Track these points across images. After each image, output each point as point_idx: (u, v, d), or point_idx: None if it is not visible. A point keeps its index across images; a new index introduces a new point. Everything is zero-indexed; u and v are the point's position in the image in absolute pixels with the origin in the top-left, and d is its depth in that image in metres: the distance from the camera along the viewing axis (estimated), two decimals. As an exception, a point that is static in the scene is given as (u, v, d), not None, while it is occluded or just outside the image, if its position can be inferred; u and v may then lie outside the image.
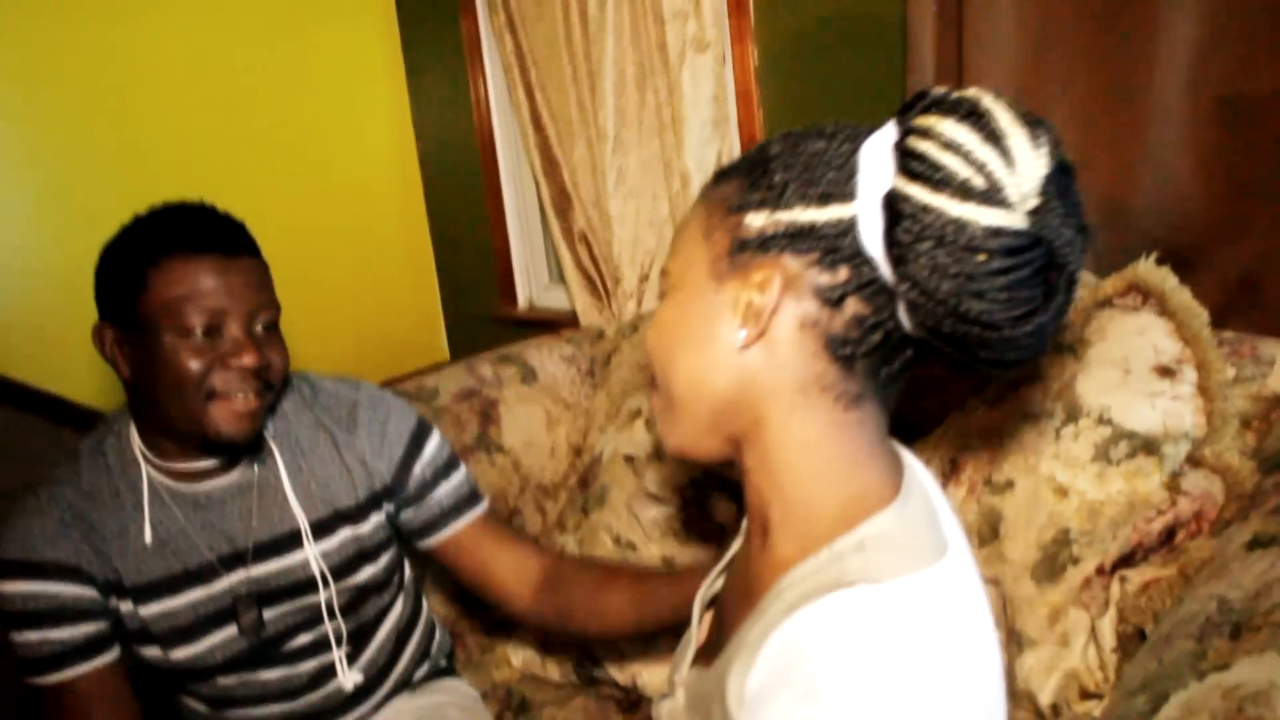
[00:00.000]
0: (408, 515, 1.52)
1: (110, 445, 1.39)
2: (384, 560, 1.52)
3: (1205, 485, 1.35)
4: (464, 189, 2.98)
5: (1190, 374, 1.41)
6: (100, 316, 1.32)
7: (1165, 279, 1.47)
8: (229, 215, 1.34)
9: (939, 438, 1.57)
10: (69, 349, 2.40)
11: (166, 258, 1.25)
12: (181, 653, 1.38)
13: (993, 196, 0.68)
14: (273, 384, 1.33)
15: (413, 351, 3.09)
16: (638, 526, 1.79)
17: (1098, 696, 1.33)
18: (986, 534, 1.44)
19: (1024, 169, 0.68)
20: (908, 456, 0.90)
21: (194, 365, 1.25)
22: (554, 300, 2.92)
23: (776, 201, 0.78)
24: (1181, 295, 1.44)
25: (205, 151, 2.60)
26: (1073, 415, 1.43)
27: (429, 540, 1.54)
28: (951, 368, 0.79)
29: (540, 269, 2.96)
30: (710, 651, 0.96)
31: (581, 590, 1.48)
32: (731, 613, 0.92)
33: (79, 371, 2.42)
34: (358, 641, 1.52)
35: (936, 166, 0.69)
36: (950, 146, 0.69)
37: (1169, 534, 1.33)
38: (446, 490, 1.52)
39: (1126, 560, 1.34)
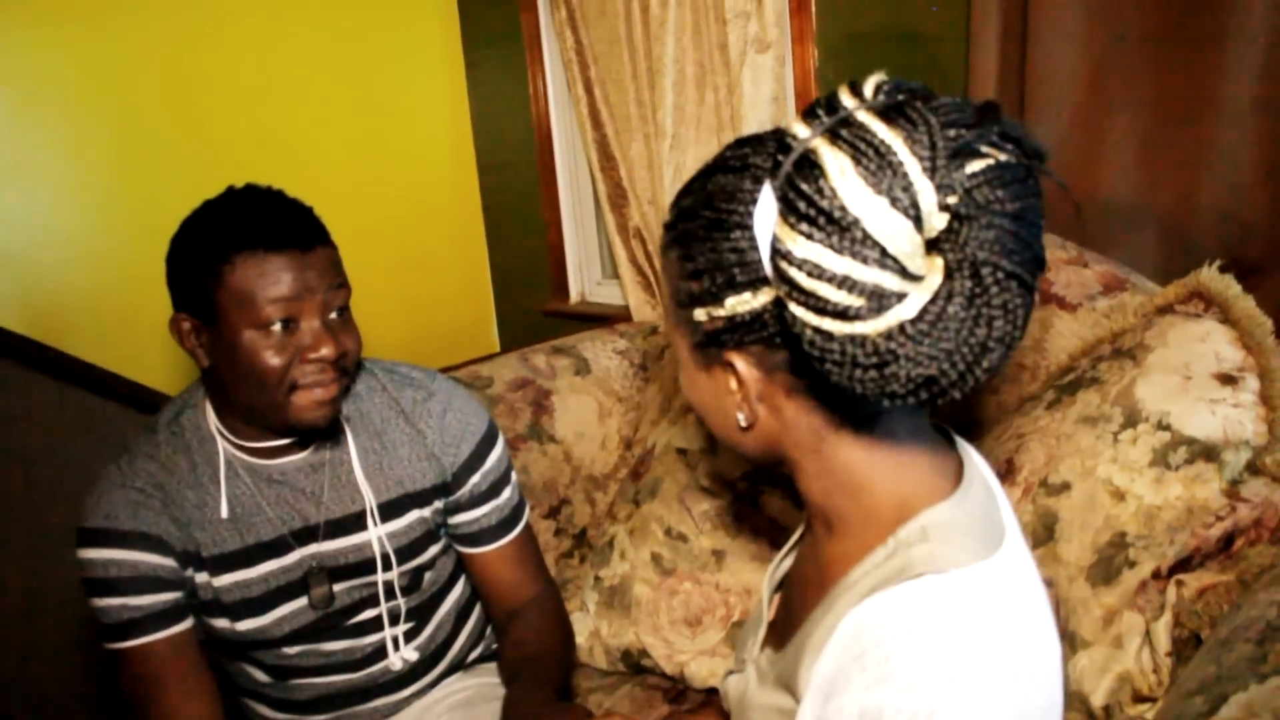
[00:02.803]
0: (452, 520, 1.55)
1: (187, 420, 1.42)
2: (446, 542, 1.55)
3: (1266, 493, 1.35)
4: (520, 183, 3.01)
5: (1252, 382, 1.41)
6: (175, 307, 1.34)
7: (1229, 286, 1.47)
8: (299, 202, 1.36)
9: (995, 439, 1.58)
10: (140, 333, 2.45)
11: (240, 254, 1.26)
12: (250, 623, 1.42)
13: (874, 305, 0.65)
14: (348, 370, 1.36)
15: (464, 343, 3.12)
16: (689, 519, 1.81)
17: (1151, 700, 1.33)
18: (1042, 535, 1.45)
19: (894, 240, 0.64)
20: (966, 448, 0.92)
21: (275, 361, 1.28)
22: (606, 295, 2.94)
23: (709, 297, 0.79)
24: (1245, 303, 1.44)
25: (266, 141, 2.64)
26: (1131, 420, 1.44)
27: (461, 547, 1.58)
28: None
29: (593, 264, 2.99)
30: (779, 633, 0.98)
31: (505, 641, 1.54)
32: (801, 598, 0.95)
33: (150, 356, 2.47)
34: (418, 619, 1.55)
35: (805, 292, 0.66)
36: (811, 269, 0.65)
37: (1228, 540, 1.34)
38: (495, 505, 1.55)
39: (1183, 565, 1.35)
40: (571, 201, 2.96)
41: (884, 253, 0.64)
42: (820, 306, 0.66)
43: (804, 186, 0.65)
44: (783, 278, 0.67)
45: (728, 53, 2.22)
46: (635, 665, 1.81)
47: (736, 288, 0.77)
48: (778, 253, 0.67)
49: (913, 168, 0.64)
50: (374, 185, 2.89)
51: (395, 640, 1.52)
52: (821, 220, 0.65)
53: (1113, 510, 1.41)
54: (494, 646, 1.72)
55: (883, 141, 0.64)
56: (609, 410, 2.22)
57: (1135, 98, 1.70)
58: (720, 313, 0.79)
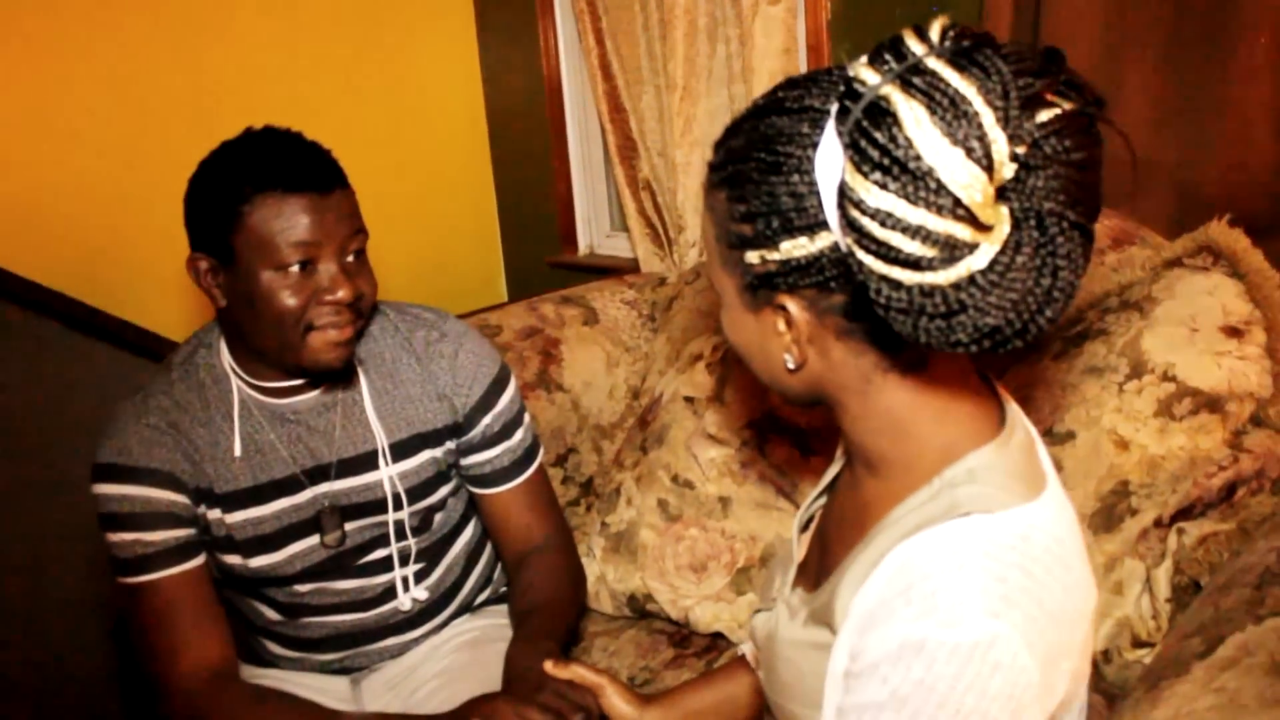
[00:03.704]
0: (464, 461, 1.56)
1: (201, 358, 1.44)
2: (457, 483, 1.57)
3: (1269, 444, 1.37)
4: (529, 134, 3.00)
5: (1259, 335, 1.42)
6: (193, 247, 1.35)
7: (1238, 240, 1.48)
8: (317, 144, 1.36)
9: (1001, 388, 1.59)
10: (151, 280, 2.46)
11: (260, 194, 1.27)
12: (262, 560, 1.44)
13: (946, 255, 0.65)
14: (364, 312, 1.37)
15: (472, 293, 3.13)
16: (695, 466, 1.83)
17: (1150, 645, 1.36)
18: (1045, 484, 1.47)
19: (968, 190, 0.64)
20: (1006, 396, 0.92)
21: (291, 301, 1.29)
22: (614, 248, 2.95)
23: (766, 239, 0.78)
24: (1254, 257, 1.46)
25: (276, 88, 2.64)
26: (1137, 371, 1.45)
27: (474, 489, 1.59)
28: None
29: (602, 216, 2.99)
30: (812, 572, 0.99)
31: (515, 585, 1.57)
32: (838, 537, 0.95)
33: (161, 303, 2.49)
34: (428, 560, 1.57)
35: (877, 242, 0.66)
36: (882, 219, 0.65)
37: (1229, 490, 1.36)
38: (508, 447, 1.56)
39: (1185, 514, 1.37)
40: (581, 153, 2.96)
41: (957, 203, 0.64)
42: (892, 256, 0.66)
43: (877, 135, 0.65)
44: (853, 226, 0.67)
45: (740, 4, 2.21)
46: (641, 610, 1.84)
47: (793, 232, 0.76)
48: (849, 200, 0.67)
49: (987, 118, 0.64)
50: (384, 135, 2.89)
51: (405, 580, 1.54)
52: (896, 170, 0.64)
53: (1116, 459, 1.42)
54: (503, 589, 1.74)
55: (957, 91, 0.64)
56: (617, 360, 2.23)
57: (1150, 53, 1.70)
58: (774, 256, 0.78)
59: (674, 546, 1.80)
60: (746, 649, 1.25)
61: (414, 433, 1.49)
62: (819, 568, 0.98)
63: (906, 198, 0.64)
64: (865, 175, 0.65)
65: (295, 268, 1.28)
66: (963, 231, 0.64)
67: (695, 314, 2.14)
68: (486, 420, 1.53)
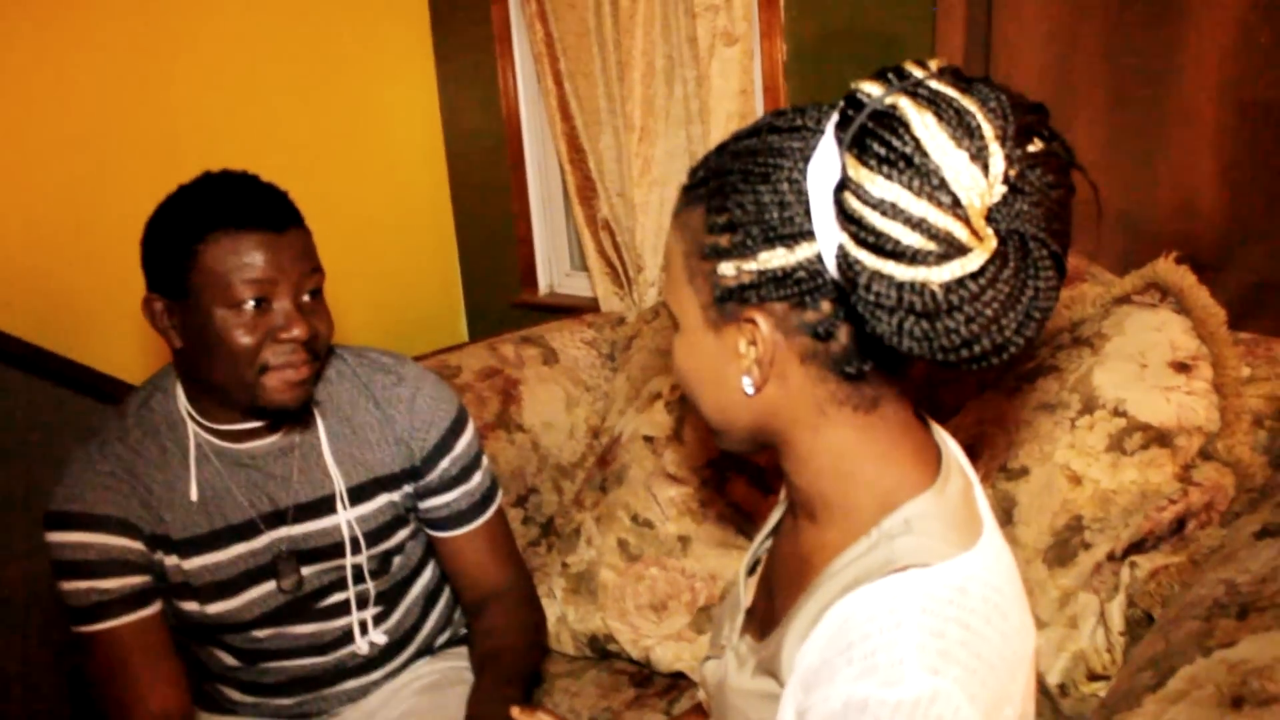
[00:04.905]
0: (422, 504, 1.56)
1: (157, 403, 1.43)
2: (416, 526, 1.57)
3: (1217, 478, 1.39)
4: (489, 175, 3.01)
5: (1206, 370, 1.45)
6: (149, 287, 1.35)
7: (1184, 277, 1.51)
8: (273, 186, 1.37)
9: (955, 425, 1.61)
10: (106, 323, 2.44)
11: (213, 233, 1.27)
12: (219, 606, 1.42)
13: (942, 250, 0.66)
14: (319, 352, 1.37)
15: (432, 333, 3.13)
16: (655, 505, 1.83)
17: (1105, 678, 1.37)
18: (1001, 519, 1.48)
19: (967, 199, 0.66)
20: (942, 436, 0.93)
21: (246, 340, 1.29)
22: (574, 287, 2.95)
23: (744, 249, 0.79)
24: (1200, 294, 1.48)
25: (234, 131, 2.63)
26: (1089, 406, 1.47)
27: (433, 532, 1.59)
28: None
29: (562, 256, 3.00)
30: (759, 620, 0.99)
31: (475, 629, 1.56)
32: (782, 586, 0.96)
33: (117, 347, 2.46)
34: (387, 603, 1.56)
35: (876, 232, 0.67)
36: (883, 208, 0.66)
37: (1180, 523, 1.37)
38: (465, 491, 1.56)
39: (1137, 547, 1.38)
40: (540, 193, 2.97)
41: (957, 203, 0.65)
42: (888, 248, 0.66)
43: (883, 133, 0.67)
44: (851, 219, 0.68)
45: (697, 46, 2.24)
46: (602, 650, 1.83)
47: (773, 241, 0.77)
48: (850, 193, 0.68)
49: (988, 132, 0.66)
50: (343, 175, 2.89)
51: (364, 624, 1.53)
52: (902, 164, 0.66)
53: (1070, 494, 1.44)
54: (462, 631, 1.73)
55: (963, 105, 0.67)
56: (577, 400, 2.24)
57: (1098, 93, 1.74)
58: (751, 266, 0.78)
59: (634, 586, 1.80)
60: (702, 695, 1.25)
61: (371, 476, 1.48)
62: (765, 616, 0.98)
63: (911, 190, 0.66)
64: (871, 168, 0.67)
65: (250, 305, 1.28)
66: (961, 231, 0.66)
67: (654, 353, 2.15)
68: (444, 464, 1.53)
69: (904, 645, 0.74)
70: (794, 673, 0.82)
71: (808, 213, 0.75)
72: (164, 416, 1.42)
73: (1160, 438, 1.42)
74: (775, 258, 0.77)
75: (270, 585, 1.45)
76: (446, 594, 1.70)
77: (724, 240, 0.80)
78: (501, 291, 3.07)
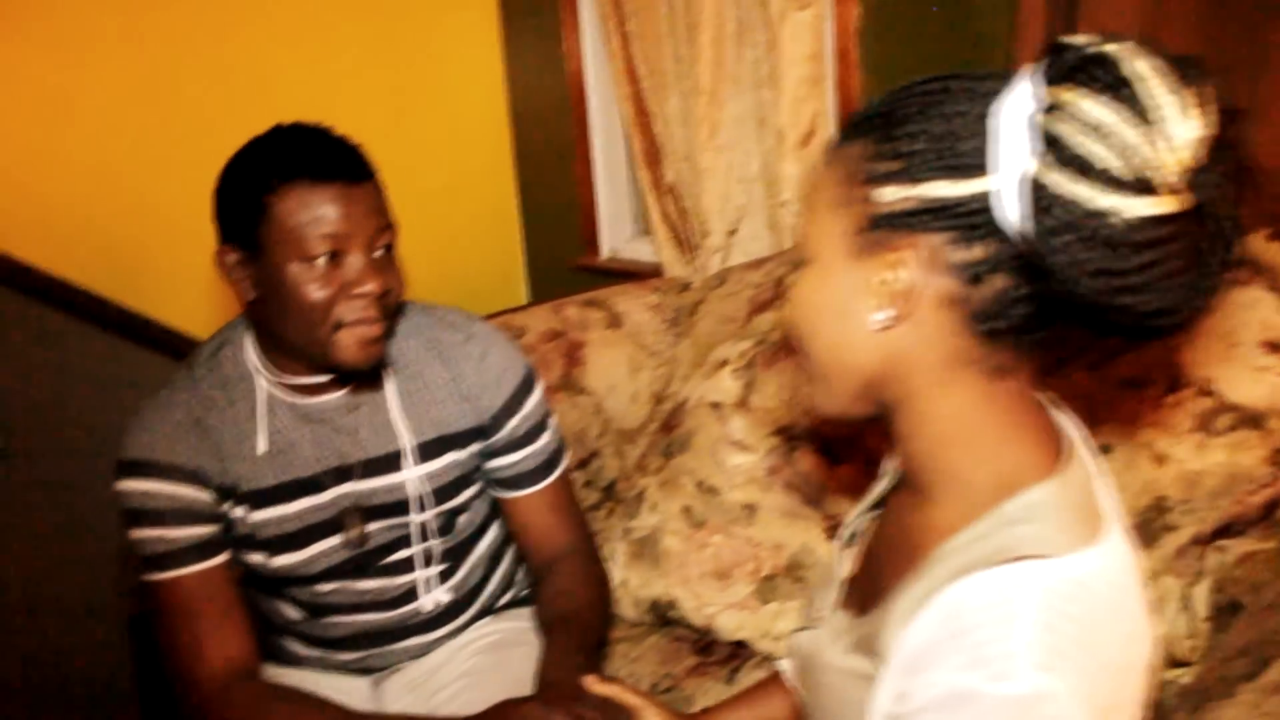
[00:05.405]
0: (489, 464, 1.55)
1: (227, 355, 1.42)
2: (481, 486, 1.56)
3: (1311, 462, 1.35)
4: (553, 137, 2.99)
5: (1300, 350, 1.40)
6: (221, 240, 1.34)
7: (1278, 255, 1.46)
8: (347, 138, 1.36)
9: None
10: (174, 278, 2.45)
11: (288, 184, 1.26)
12: (285, 559, 1.42)
13: (1141, 184, 0.64)
14: (391, 309, 1.35)
15: (492, 295, 3.11)
16: (720, 472, 1.81)
17: (1186, 664, 1.33)
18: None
19: (1176, 144, 0.64)
20: (1066, 422, 0.89)
21: (318, 295, 1.27)
22: (636, 252, 2.93)
23: (910, 175, 0.76)
24: (1295, 271, 1.43)
25: (300, 88, 2.62)
26: (1174, 385, 1.43)
27: (499, 492, 1.58)
28: (1099, 334, 0.77)
29: (624, 221, 2.97)
30: (859, 596, 0.96)
31: (543, 592, 1.53)
32: (888, 563, 0.92)
33: (183, 301, 2.48)
34: (452, 561, 1.56)
35: (1078, 153, 0.65)
36: (1092, 129, 0.65)
37: (1270, 508, 1.33)
38: (533, 450, 1.55)
39: (1224, 531, 1.34)
40: (604, 157, 2.94)
41: (1170, 145, 0.64)
42: (1091, 168, 0.65)
43: (1099, 68, 0.66)
44: (1052, 141, 0.67)
45: (768, 8, 2.19)
46: (663, 617, 1.82)
47: (943, 171, 0.74)
48: (1055, 115, 0.67)
49: (1190, 99, 0.65)
50: (407, 135, 2.88)
51: (428, 581, 1.53)
52: (1125, 90, 0.65)
53: (1153, 474, 1.40)
54: (524, 592, 1.73)
55: (1174, 68, 0.66)
56: (640, 364, 2.22)
57: (1193, 48, 1.68)
58: (915, 192, 0.75)
59: (698, 553, 1.78)
60: (785, 666, 1.23)
61: (439, 434, 1.47)
62: (866, 592, 0.95)
63: (1125, 118, 0.65)
64: (1087, 91, 0.66)
65: (322, 260, 1.27)
66: (1164, 172, 0.65)
67: (720, 319, 2.12)
68: (512, 423, 1.51)
69: (1017, 639, 0.71)
70: (895, 655, 0.80)
71: (986, 148, 0.72)
72: (234, 368, 1.41)
73: (1251, 419, 1.38)
74: (942, 187, 0.74)
75: (335, 540, 1.44)
76: (509, 555, 1.69)
77: (891, 165, 0.77)
78: (562, 254, 3.05)
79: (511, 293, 3.24)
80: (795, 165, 2.25)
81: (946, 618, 0.76)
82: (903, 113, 0.77)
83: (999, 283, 0.75)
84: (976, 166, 0.73)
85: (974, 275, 0.76)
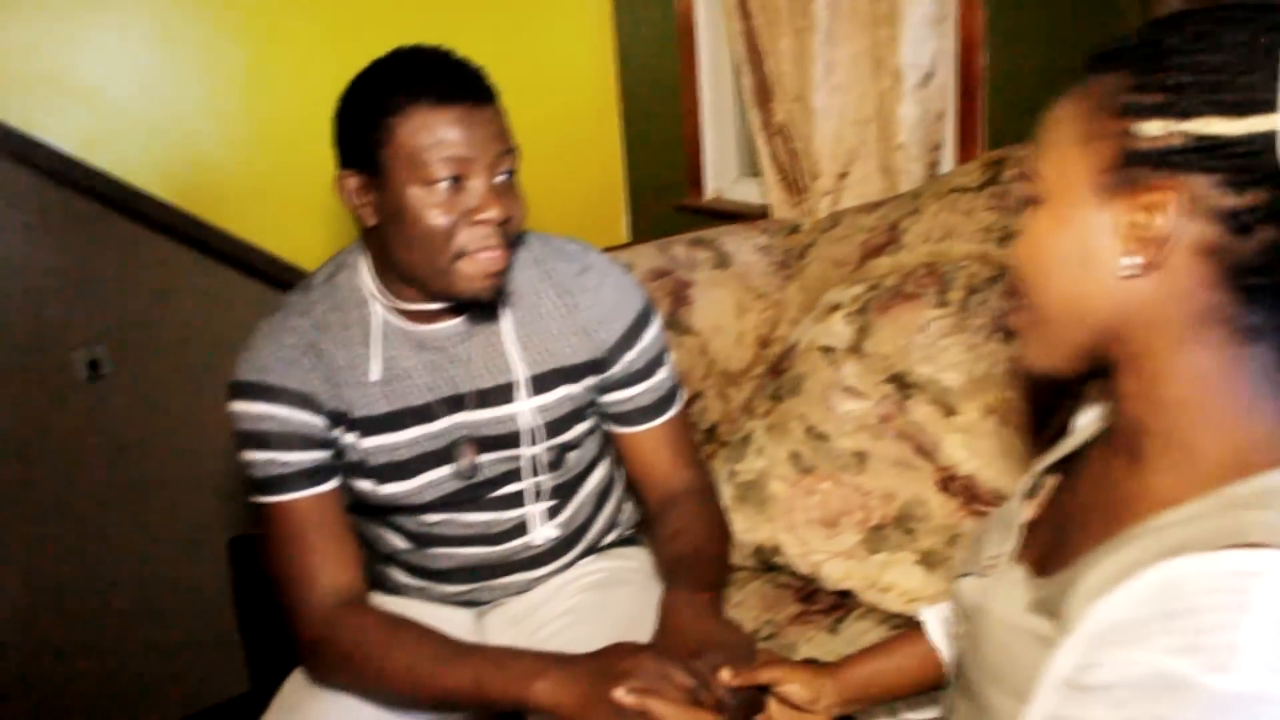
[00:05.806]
0: (605, 398, 1.52)
1: (343, 279, 1.41)
2: (593, 422, 1.54)
3: None
4: (660, 73, 2.93)
5: None
6: (341, 164, 1.32)
7: None
8: (468, 60, 1.33)
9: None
10: (283, 208, 2.46)
11: (410, 106, 1.23)
12: (394, 488, 1.42)
13: None
14: (512, 237, 1.32)
15: (593, 232, 3.08)
16: (831, 418, 1.77)
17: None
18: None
19: None
20: None
21: (440, 220, 1.25)
22: (741, 193, 2.87)
23: (1178, 108, 0.70)
24: None
25: (407, 18, 2.61)
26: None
27: (615, 428, 1.55)
28: None
29: (730, 161, 2.92)
30: (1044, 554, 0.91)
31: (661, 532, 1.49)
32: (1081, 525, 0.87)
33: (292, 231, 2.49)
34: (561, 497, 1.54)
35: None
36: None
37: None
38: (650, 385, 1.52)
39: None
40: (712, 95, 2.88)
41: None
42: None
43: None
44: None
45: (891, -58, 2.11)
46: (766, 562, 1.79)
47: (1219, 106, 0.68)
48: None
49: None
50: (512, 67, 2.81)
51: (537, 516, 1.51)
52: None
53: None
54: (628, 532, 1.71)
55: None
56: (747, 306, 2.17)
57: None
58: (1185, 128, 0.70)
59: (805, 500, 1.75)
60: (929, 616, 1.19)
61: (554, 367, 1.45)
62: (1051, 552, 0.89)
63: None
64: None
65: (444, 184, 1.24)
66: None
67: (831, 263, 2.07)
68: (629, 357, 1.48)
69: (1245, 631, 0.64)
70: (1084, 624, 0.74)
71: (1271, 84, 0.66)
72: (350, 293, 1.40)
73: None
74: (1216, 124, 0.68)
75: (446, 470, 1.43)
76: (616, 493, 1.68)
77: (1155, 98, 0.71)
78: (664, 194, 3.01)
79: (612, 231, 3.21)
80: (913, 107, 2.17)
81: (1158, 594, 0.69)
82: (1172, 42, 0.71)
83: (1269, 234, 0.69)
84: (1260, 103, 0.67)
85: (1242, 225, 0.69)
